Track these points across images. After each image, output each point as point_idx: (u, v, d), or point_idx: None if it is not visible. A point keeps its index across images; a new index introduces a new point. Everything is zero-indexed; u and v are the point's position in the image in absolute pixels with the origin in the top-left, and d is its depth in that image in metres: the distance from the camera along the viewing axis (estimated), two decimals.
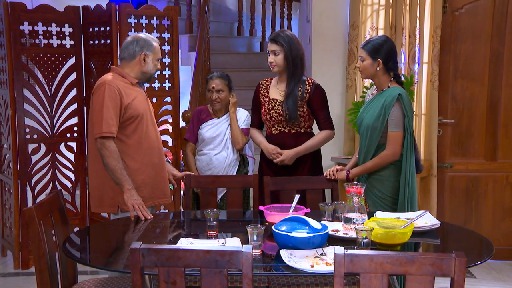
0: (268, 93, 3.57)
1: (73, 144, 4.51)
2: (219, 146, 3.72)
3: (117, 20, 4.12)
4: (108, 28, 4.19)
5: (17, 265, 4.33)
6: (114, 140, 2.99)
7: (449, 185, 4.58)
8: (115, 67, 3.19)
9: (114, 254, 2.52)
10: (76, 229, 4.29)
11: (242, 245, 2.33)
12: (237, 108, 3.78)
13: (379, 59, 3.10)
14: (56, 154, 4.44)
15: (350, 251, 1.84)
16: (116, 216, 3.10)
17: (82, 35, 4.40)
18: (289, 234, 2.31)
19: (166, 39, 4.33)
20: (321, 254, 2.25)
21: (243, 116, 3.77)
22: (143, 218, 2.93)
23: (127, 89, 3.07)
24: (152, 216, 2.97)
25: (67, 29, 4.35)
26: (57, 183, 4.47)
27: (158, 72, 4.24)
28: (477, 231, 3.81)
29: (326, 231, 2.35)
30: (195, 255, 1.89)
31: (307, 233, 2.31)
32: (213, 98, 3.71)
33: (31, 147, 4.36)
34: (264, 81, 3.64)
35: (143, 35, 3.18)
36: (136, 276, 1.92)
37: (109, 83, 3.01)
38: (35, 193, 4.37)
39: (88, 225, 4.52)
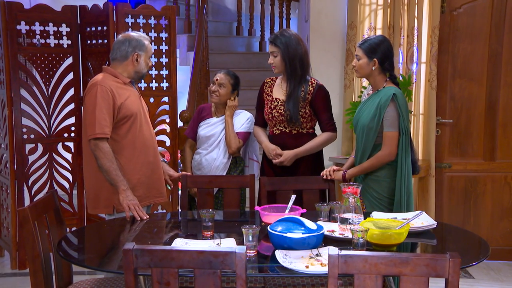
0: (271, 92, 3.53)
1: (71, 144, 4.50)
2: (211, 146, 3.70)
3: (114, 19, 4.11)
4: (105, 27, 4.18)
5: (14, 266, 4.32)
6: (108, 140, 2.99)
7: (448, 185, 4.56)
8: (106, 67, 3.16)
9: (109, 254, 2.50)
10: (73, 229, 4.29)
11: (237, 245, 2.33)
12: (241, 110, 3.75)
13: (375, 59, 3.08)
14: (54, 154, 4.43)
15: (344, 252, 1.83)
16: (111, 216, 3.09)
17: (79, 35, 4.39)
18: (284, 234, 2.30)
19: (164, 38, 4.32)
20: (316, 255, 2.24)
21: (243, 119, 3.72)
22: (139, 219, 2.92)
23: (120, 89, 3.06)
24: (147, 216, 2.96)
25: (64, 29, 4.34)
26: (54, 183, 4.46)
27: (154, 70, 4.25)
28: (476, 232, 3.80)
29: (321, 232, 2.34)
30: (188, 256, 1.88)
31: (302, 233, 2.30)
32: (212, 90, 3.69)
33: (28, 147, 4.35)
34: (269, 80, 3.61)
35: (135, 34, 3.16)
36: (129, 277, 1.91)
37: (101, 84, 3.00)
38: (32, 193, 4.36)
39: (85, 225, 4.50)
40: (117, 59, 3.11)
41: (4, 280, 4.16)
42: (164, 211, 4.42)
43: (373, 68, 3.10)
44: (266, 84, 3.60)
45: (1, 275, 4.26)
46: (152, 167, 3.18)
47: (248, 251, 2.28)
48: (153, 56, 4.27)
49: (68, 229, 3.91)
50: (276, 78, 3.58)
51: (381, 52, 3.08)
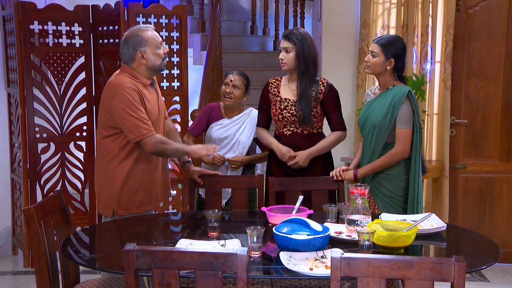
0: (279, 92, 3.46)
1: (83, 143, 4.50)
2: (225, 148, 3.66)
3: (126, 19, 4.11)
4: (116, 27, 4.18)
5: (27, 264, 4.35)
6: (116, 146, 2.98)
7: (462, 187, 4.48)
8: (126, 67, 3.04)
9: (113, 254, 2.49)
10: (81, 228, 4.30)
11: (242, 246, 2.30)
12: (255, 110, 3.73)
13: (392, 58, 3.05)
14: (66, 153, 4.45)
15: (346, 255, 1.79)
16: (107, 219, 3.06)
17: (91, 34, 4.40)
18: (289, 236, 2.27)
19: (175, 38, 4.31)
20: (322, 257, 2.21)
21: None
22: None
23: (144, 90, 3.00)
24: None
25: (76, 28, 4.36)
26: (66, 182, 4.47)
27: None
28: (491, 234, 3.73)
29: (327, 234, 2.30)
30: (189, 257, 1.86)
31: (308, 235, 2.27)
32: (227, 91, 3.61)
33: (40, 146, 4.37)
34: (273, 80, 3.53)
35: (132, 31, 3.05)
36: (130, 278, 1.90)
37: (127, 86, 2.92)
38: (45, 192, 4.38)
39: (96, 223, 4.52)
40: (127, 62, 3.04)
41: (17, 278, 4.19)
42: (175, 210, 4.42)
43: (388, 68, 3.06)
44: (270, 84, 3.52)
45: (14, 273, 4.29)
46: (154, 171, 3.12)
47: (252, 252, 2.26)
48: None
49: (80, 228, 3.93)
50: (281, 78, 3.52)
51: (397, 51, 3.06)
